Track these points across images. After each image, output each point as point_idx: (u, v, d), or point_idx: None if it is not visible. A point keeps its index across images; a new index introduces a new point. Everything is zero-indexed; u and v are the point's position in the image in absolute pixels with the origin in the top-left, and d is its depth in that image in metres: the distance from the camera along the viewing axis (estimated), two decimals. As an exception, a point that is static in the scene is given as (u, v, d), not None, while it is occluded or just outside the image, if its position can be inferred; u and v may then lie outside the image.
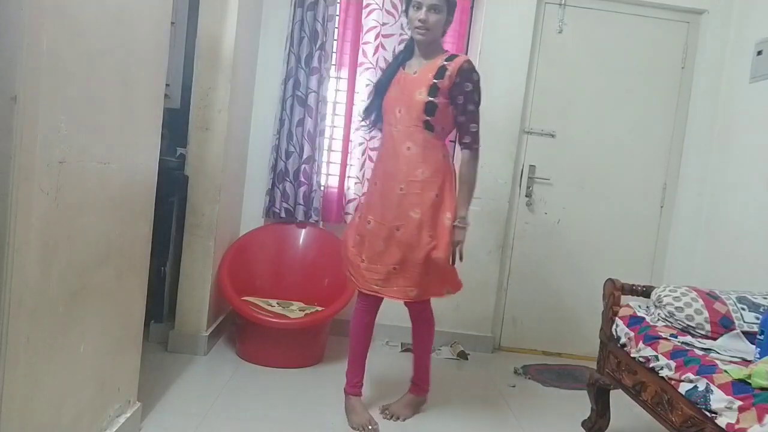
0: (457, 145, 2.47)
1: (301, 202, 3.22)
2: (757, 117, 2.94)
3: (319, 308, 2.95)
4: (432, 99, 2.15)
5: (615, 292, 2.31)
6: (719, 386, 1.63)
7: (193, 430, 2.12)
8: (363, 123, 2.47)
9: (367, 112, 2.40)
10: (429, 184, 2.18)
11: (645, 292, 2.31)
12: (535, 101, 3.39)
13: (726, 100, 3.23)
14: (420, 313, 2.38)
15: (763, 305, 2.09)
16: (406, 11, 2.22)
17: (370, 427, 2.25)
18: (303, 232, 3.28)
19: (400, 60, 2.30)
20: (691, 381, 1.74)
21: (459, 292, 2.31)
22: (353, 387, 2.36)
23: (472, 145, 2.25)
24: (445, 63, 2.17)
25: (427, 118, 2.16)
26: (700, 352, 1.86)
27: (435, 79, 2.15)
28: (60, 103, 1.37)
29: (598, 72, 3.39)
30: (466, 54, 3.35)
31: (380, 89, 2.32)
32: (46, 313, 1.42)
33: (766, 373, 1.55)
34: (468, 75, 2.16)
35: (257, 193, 3.32)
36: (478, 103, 2.21)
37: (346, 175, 3.33)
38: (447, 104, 2.18)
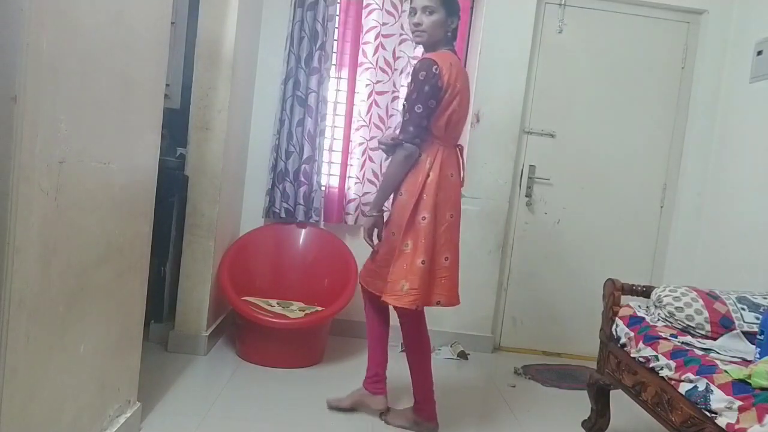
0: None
1: (302, 202, 3.22)
2: (757, 117, 2.94)
3: (319, 308, 2.95)
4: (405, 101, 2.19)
5: (615, 292, 2.31)
6: (719, 386, 1.63)
7: (193, 430, 2.12)
8: None
9: None
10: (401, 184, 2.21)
11: (645, 292, 2.31)
12: (535, 101, 3.39)
13: (726, 100, 3.23)
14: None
15: (763, 305, 2.09)
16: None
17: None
18: (303, 232, 3.28)
19: None
20: (691, 381, 1.74)
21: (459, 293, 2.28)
22: None
23: (399, 137, 2.15)
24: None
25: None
26: (700, 352, 1.86)
27: None
28: (60, 103, 1.37)
29: (598, 72, 3.39)
30: (466, 53, 3.36)
31: None
32: (46, 313, 1.42)
33: (766, 373, 1.56)
34: (414, 74, 2.09)
35: (257, 193, 3.32)
36: (415, 100, 2.06)
37: (347, 175, 3.32)
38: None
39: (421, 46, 2.21)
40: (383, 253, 2.22)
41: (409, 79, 2.16)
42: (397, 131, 2.32)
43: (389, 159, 2.23)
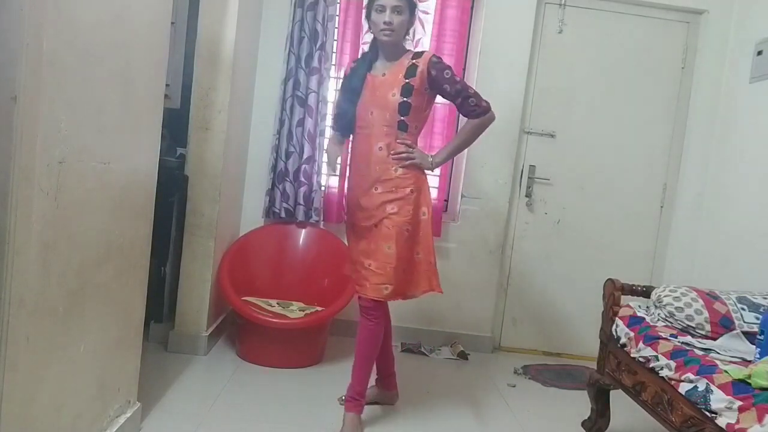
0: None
1: (302, 202, 3.21)
2: (757, 117, 2.94)
3: (319, 308, 2.95)
4: (406, 99, 2.16)
5: (615, 292, 2.31)
6: (719, 386, 1.63)
7: (193, 430, 2.12)
8: (335, 131, 2.45)
9: (339, 119, 2.39)
10: (403, 180, 2.20)
11: (645, 292, 2.31)
12: (535, 101, 3.39)
13: (726, 100, 3.23)
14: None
15: (763, 305, 2.09)
16: (368, 16, 2.26)
17: None
18: (303, 232, 3.28)
19: (368, 63, 2.29)
20: (691, 381, 1.74)
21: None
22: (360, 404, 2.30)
23: (479, 111, 2.23)
24: (414, 61, 2.19)
25: (402, 118, 2.19)
26: (700, 352, 1.86)
27: (406, 78, 2.17)
28: (60, 103, 1.37)
29: (598, 72, 3.39)
30: (465, 54, 3.36)
31: (351, 95, 2.29)
32: (46, 313, 1.42)
33: (766, 373, 1.56)
34: (440, 65, 2.19)
35: (257, 193, 3.32)
36: (467, 82, 2.24)
37: (347, 175, 3.31)
38: (422, 102, 2.22)
39: (388, 42, 2.22)
40: (379, 251, 2.17)
41: (434, 73, 2.16)
42: (391, 138, 2.24)
43: (467, 126, 2.28)
